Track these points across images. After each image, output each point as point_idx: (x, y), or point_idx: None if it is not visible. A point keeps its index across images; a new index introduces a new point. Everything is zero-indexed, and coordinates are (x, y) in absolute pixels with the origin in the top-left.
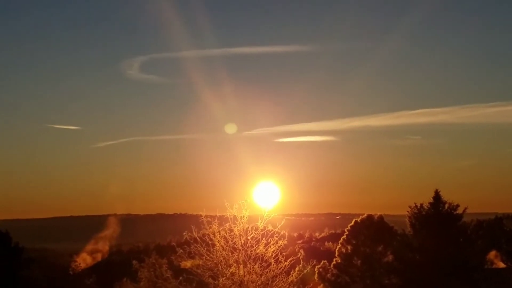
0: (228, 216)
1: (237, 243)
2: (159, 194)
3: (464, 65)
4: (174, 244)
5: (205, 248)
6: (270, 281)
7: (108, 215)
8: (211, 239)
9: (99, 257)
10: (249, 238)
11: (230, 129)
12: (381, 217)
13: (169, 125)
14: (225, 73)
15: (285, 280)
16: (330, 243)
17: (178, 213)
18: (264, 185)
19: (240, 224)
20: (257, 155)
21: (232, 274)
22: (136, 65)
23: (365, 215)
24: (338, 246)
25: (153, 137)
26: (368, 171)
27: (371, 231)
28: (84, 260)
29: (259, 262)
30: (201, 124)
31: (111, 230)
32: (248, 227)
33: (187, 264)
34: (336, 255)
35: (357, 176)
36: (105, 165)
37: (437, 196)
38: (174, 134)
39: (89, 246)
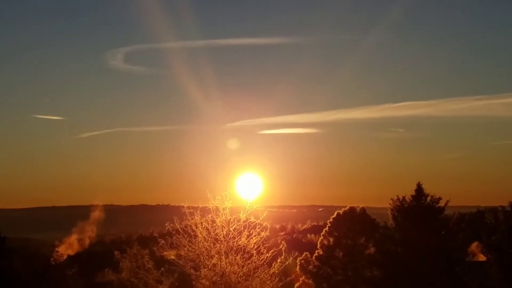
0: (211, 207)
1: (219, 234)
2: (142, 185)
3: (449, 58)
4: (156, 235)
5: (187, 239)
6: (252, 272)
7: (91, 206)
8: (193, 230)
9: (81, 247)
10: (231, 229)
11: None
12: (363, 210)
13: (152, 116)
14: (209, 64)
15: (267, 271)
16: (313, 235)
17: (161, 204)
18: (247, 177)
19: (222, 216)
20: (241, 147)
21: (214, 265)
22: (120, 55)
23: (348, 207)
24: (320, 238)
25: (137, 128)
26: (351, 163)
27: (353, 223)
28: (66, 250)
29: (241, 253)
30: (185, 116)
31: (94, 220)
32: (230, 218)
33: (169, 255)
34: (318, 247)
35: (340, 168)
36: (89, 155)
37: (419, 189)
38: (158, 125)
39: (72, 236)
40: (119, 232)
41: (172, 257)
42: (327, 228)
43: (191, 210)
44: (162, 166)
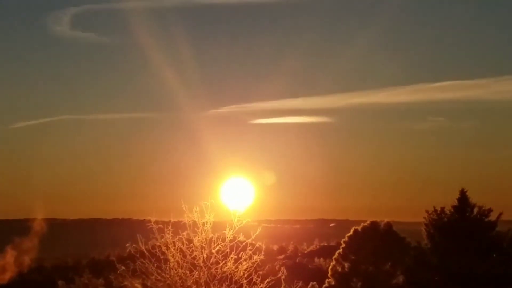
0: (186, 222)
1: (197, 258)
2: (95, 192)
3: (505, 24)
4: (114, 259)
5: (155, 265)
6: None
7: (27, 220)
8: (163, 253)
9: (13, 274)
10: (213, 251)
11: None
12: (388, 225)
13: (109, 100)
14: (184, 31)
15: None
16: (321, 259)
17: (120, 218)
18: (234, 182)
19: (202, 233)
20: (227, 141)
21: None
22: (67, 19)
23: (368, 222)
24: (331, 264)
25: (87, 115)
26: (372, 164)
27: (375, 243)
28: None
29: (226, 283)
30: (153, 100)
31: (31, 239)
32: (212, 236)
33: (131, 285)
34: (329, 275)
35: (357, 170)
36: (23, 152)
37: (463, 198)
38: (116, 112)
39: (0, 261)
40: (64, 255)
41: None
42: (341, 249)
43: (160, 226)
44: (122, 167)
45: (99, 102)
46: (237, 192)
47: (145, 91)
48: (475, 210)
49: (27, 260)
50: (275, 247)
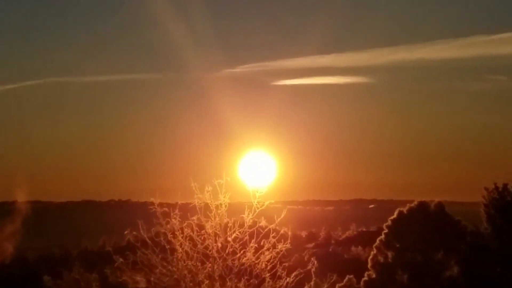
0: (197, 204)
1: (210, 248)
2: (86, 169)
3: None
4: (110, 249)
5: (160, 256)
6: None
7: (4, 203)
8: (169, 242)
9: None
10: (229, 239)
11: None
12: (440, 206)
13: (104, 60)
14: None
15: None
16: (359, 247)
17: (116, 199)
18: (254, 155)
19: (215, 218)
20: (244, 107)
21: None
22: None
23: (416, 202)
24: (372, 253)
25: (78, 77)
26: (420, 133)
27: (424, 228)
28: None
29: (245, 277)
30: (155, 58)
31: (10, 226)
32: (228, 222)
33: (132, 280)
34: (369, 266)
35: (401, 141)
36: (3, 122)
37: None
38: (113, 73)
39: None
40: (50, 245)
41: (136, 283)
42: (383, 236)
43: (166, 210)
44: (119, 139)
45: (92, 62)
46: (257, 168)
47: (145, 49)
48: None
49: (8, 249)
50: (303, 234)
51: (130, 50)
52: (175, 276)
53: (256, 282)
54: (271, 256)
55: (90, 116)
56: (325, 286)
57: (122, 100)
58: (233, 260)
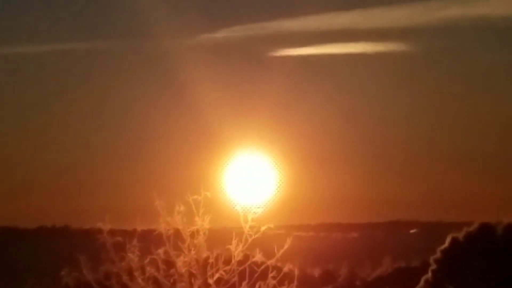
0: (164, 232)
1: None
2: (5, 183)
3: None
4: None
5: None
6: None
7: None
8: (124, 286)
9: None
10: (211, 282)
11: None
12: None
13: (32, 25)
14: None
15: None
16: None
17: (48, 226)
18: (246, 161)
19: (190, 251)
20: (232, 89)
21: None
22: None
23: (476, 224)
24: None
25: (10, 48)
26: (481, 124)
27: (489, 261)
28: None
29: None
30: (108, 20)
31: None
32: (209, 256)
33: None
34: None
35: (455, 136)
36: None
37: None
38: (52, 42)
39: None
40: None
41: None
42: (429, 274)
43: (119, 239)
44: (53, 137)
45: (17, 29)
46: (250, 178)
47: (94, 8)
48: None
49: None
50: (316, 272)
51: (74, 11)
52: None
53: None
54: None
55: (10, 102)
56: None
57: (60, 79)
58: None
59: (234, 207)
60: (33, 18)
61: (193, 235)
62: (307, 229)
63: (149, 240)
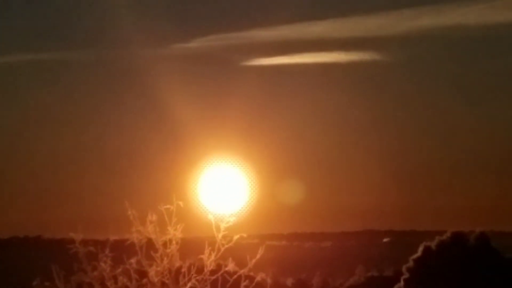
0: (136, 241)
1: None
2: None
3: None
4: None
5: None
6: None
7: None
8: None
9: None
10: None
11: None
12: (483, 238)
13: (10, 34)
14: None
15: None
16: None
17: (21, 236)
18: (219, 169)
19: (163, 261)
20: (204, 97)
21: None
22: None
23: (448, 233)
24: None
25: None
26: (455, 132)
27: (462, 270)
28: None
29: None
30: (81, 30)
31: None
32: (181, 266)
33: None
34: None
35: (428, 144)
36: None
37: None
38: (22, 52)
39: None
40: None
41: None
42: (402, 283)
43: (91, 249)
44: (24, 145)
45: None
46: (223, 187)
47: (65, 18)
48: None
49: None
50: (289, 282)
51: (45, 22)
52: None
53: None
54: None
55: None
56: None
57: (31, 89)
58: None
59: (206, 217)
60: (5, 27)
61: (165, 244)
62: (280, 238)
63: (122, 249)
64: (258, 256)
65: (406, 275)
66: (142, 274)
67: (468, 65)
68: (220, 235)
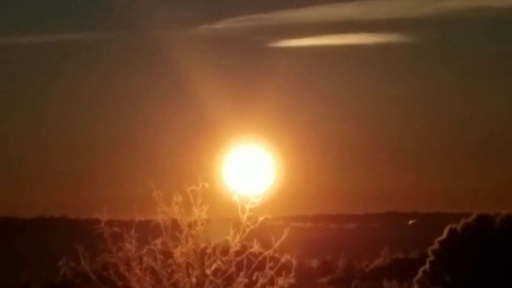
0: (161, 222)
1: (181, 285)
2: (7, 176)
3: None
4: (38, 287)
5: None
6: None
7: None
8: (122, 276)
9: None
10: (208, 272)
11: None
12: (509, 219)
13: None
14: None
15: None
16: (394, 282)
17: (46, 216)
18: (244, 151)
19: (188, 242)
20: (230, 80)
21: None
22: None
23: (474, 215)
24: None
25: None
26: (483, 115)
27: (487, 252)
28: None
29: None
30: (102, 11)
31: None
32: (206, 247)
33: None
34: None
35: (455, 128)
36: None
37: None
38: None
39: None
40: None
41: None
42: (427, 265)
43: (117, 230)
44: (48, 128)
45: (14, 22)
46: (248, 169)
47: (94, 3)
48: None
49: None
50: (314, 263)
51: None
52: None
53: None
54: None
55: (4, 93)
56: None
57: (55, 71)
58: None
59: (232, 198)
60: (26, 9)
61: (190, 225)
62: (305, 220)
63: (147, 230)
64: (283, 237)
65: (431, 257)
66: (167, 255)
67: (494, 46)
68: (245, 217)
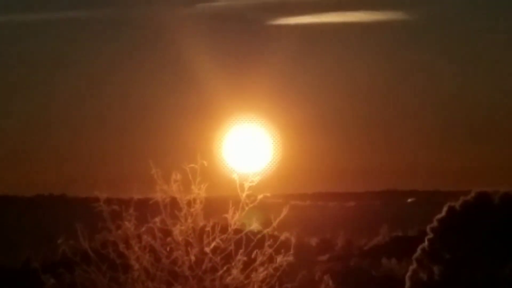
0: (160, 200)
1: (180, 263)
2: (6, 153)
3: None
4: (37, 265)
5: (108, 275)
6: None
7: None
8: (121, 254)
9: None
10: (207, 250)
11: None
12: (508, 197)
13: None
14: None
15: None
16: (393, 260)
17: (45, 194)
18: (243, 129)
19: (187, 220)
20: (229, 58)
21: None
22: None
23: (473, 193)
24: (411, 267)
25: None
26: (482, 93)
27: (486, 230)
28: None
29: None
30: None
31: None
32: (205, 225)
33: None
34: (406, 287)
35: (454, 105)
36: None
37: None
38: (49, 11)
39: None
40: None
41: None
42: (426, 243)
43: (115, 208)
44: (47, 106)
45: None
46: (247, 147)
47: None
48: None
49: None
50: (313, 241)
51: None
52: None
53: None
54: (267, 274)
55: (9, 69)
56: None
57: (57, 48)
58: (213, 280)
59: (231, 176)
60: None
61: (189, 204)
62: (304, 198)
63: (146, 208)
64: (282, 215)
65: (430, 235)
66: (166, 233)
67: (490, 22)
68: (244, 195)
